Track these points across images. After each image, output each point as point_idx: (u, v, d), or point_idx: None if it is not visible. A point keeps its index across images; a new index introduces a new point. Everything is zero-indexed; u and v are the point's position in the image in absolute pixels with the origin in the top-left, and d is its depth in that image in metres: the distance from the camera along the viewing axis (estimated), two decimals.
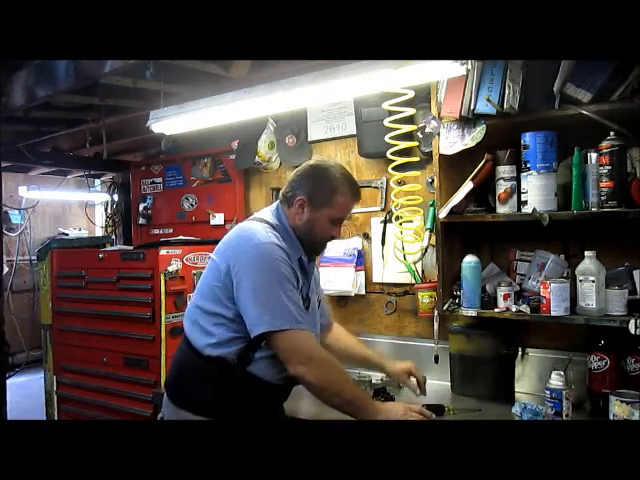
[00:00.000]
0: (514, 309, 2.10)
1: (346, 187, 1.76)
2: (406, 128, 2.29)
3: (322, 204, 1.74)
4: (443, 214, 2.20)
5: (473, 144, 2.13)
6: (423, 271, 2.58)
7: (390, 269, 2.69)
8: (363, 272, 2.77)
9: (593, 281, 1.92)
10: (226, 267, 1.64)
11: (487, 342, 2.24)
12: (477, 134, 2.12)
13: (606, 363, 1.99)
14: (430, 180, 2.51)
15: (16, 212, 6.32)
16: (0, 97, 2.65)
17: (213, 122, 2.47)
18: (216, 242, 1.80)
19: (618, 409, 1.81)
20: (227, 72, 2.55)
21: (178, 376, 1.81)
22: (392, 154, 2.37)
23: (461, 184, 2.18)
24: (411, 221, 2.48)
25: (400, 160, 2.37)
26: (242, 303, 1.62)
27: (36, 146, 4.13)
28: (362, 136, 2.67)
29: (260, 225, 1.71)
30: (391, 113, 2.30)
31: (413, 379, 2.06)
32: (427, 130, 2.26)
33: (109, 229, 4.90)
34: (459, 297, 2.23)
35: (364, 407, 1.65)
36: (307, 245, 1.78)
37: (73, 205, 7.07)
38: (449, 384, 2.37)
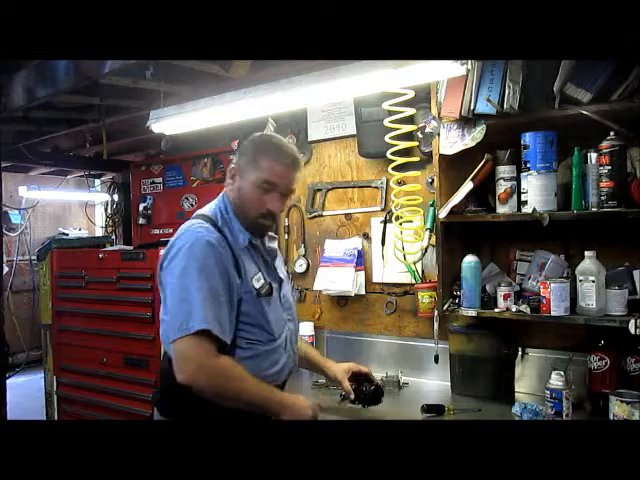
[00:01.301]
0: (514, 309, 2.10)
1: (274, 150, 1.65)
2: (406, 128, 2.29)
3: (249, 168, 1.64)
4: (443, 214, 2.20)
5: (473, 144, 2.13)
6: (423, 271, 2.58)
7: (390, 269, 2.69)
8: (363, 272, 2.77)
9: (593, 281, 1.92)
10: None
11: (487, 342, 2.24)
12: (477, 134, 2.12)
13: (606, 363, 1.99)
14: (430, 180, 2.51)
15: (16, 212, 6.32)
16: (0, 97, 2.65)
17: (213, 122, 2.47)
18: None
19: (618, 409, 1.81)
20: (227, 72, 2.55)
21: (161, 385, 1.74)
22: (392, 154, 2.37)
23: (461, 184, 2.18)
24: (411, 221, 2.48)
25: (400, 160, 2.37)
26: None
27: (36, 146, 4.13)
28: (362, 136, 2.67)
29: (187, 226, 1.64)
30: (391, 113, 2.30)
31: (347, 383, 1.98)
32: (427, 130, 2.26)
33: (109, 229, 4.90)
34: (459, 297, 2.23)
35: (266, 407, 1.57)
36: (244, 222, 1.67)
37: (73, 205, 7.07)
38: (449, 384, 2.37)
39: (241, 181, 1.66)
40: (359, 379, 2.01)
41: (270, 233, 1.80)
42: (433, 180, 2.36)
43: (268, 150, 1.65)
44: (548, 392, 1.90)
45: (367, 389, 1.97)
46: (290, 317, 1.80)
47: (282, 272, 1.83)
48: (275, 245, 1.84)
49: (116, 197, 4.79)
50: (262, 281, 1.66)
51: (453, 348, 2.35)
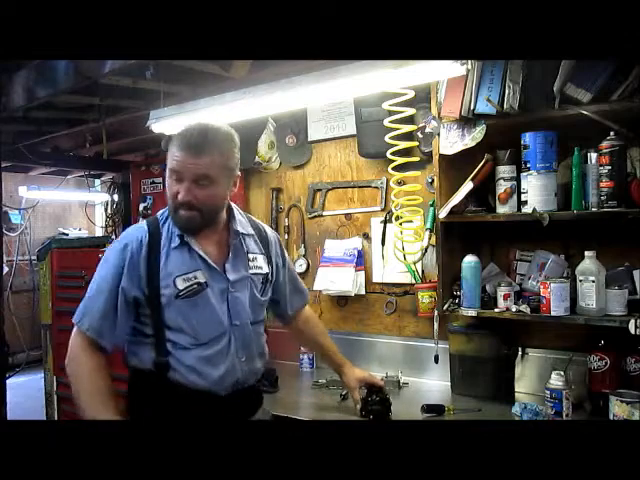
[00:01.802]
0: (514, 309, 2.10)
1: (178, 137, 1.57)
2: (406, 128, 2.29)
3: (167, 162, 1.59)
4: (443, 214, 2.20)
5: (473, 144, 2.13)
6: (423, 271, 2.58)
7: (390, 269, 2.69)
8: (363, 272, 2.77)
9: (593, 281, 1.92)
10: None
11: (487, 342, 2.24)
12: (477, 134, 2.12)
13: (606, 363, 1.99)
14: (430, 180, 2.51)
15: (16, 212, 6.32)
16: (0, 97, 2.65)
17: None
18: None
19: (618, 409, 1.81)
20: (227, 72, 2.55)
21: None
22: (392, 154, 2.37)
23: (461, 184, 2.18)
24: (411, 221, 2.48)
25: (400, 160, 2.37)
26: None
27: (36, 146, 4.13)
28: (362, 136, 2.67)
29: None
30: (391, 113, 2.30)
31: (357, 393, 2.01)
32: (427, 130, 2.26)
33: (109, 229, 4.90)
34: (459, 297, 2.23)
35: (85, 407, 1.53)
36: (172, 218, 1.62)
37: (73, 205, 7.07)
38: (449, 384, 2.37)
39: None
40: (371, 390, 2.01)
41: (241, 229, 1.70)
42: (433, 180, 2.36)
43: (174, 139, 1.57)
44: (548, 392, 1.90)
45: (373, 400, 1.96)
46: (238, 322, 1.64)
47: (254, 270, 1.70)
48: (251, 243, 1.73)
49: (116, 197, 4.79)
50: (192, 282, 1.57)
51: (453, 348, 2.35)
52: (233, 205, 1.74)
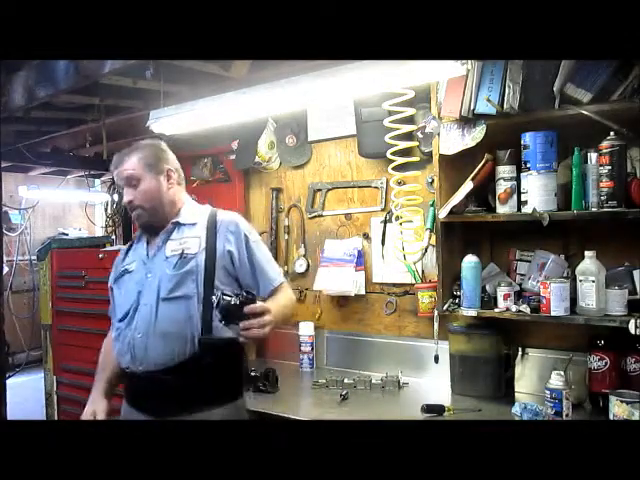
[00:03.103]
0: (514, 309, 2.10)
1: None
2: (406, 128, 2.29)
3: None
4: (443, 214, 2.20)
5: (473, 144, 2.13)
6: (423, 271, 2.58)
7: (390, 269, 2.69)
8: (363, 272, 2.77)
9: (593, 281, 1.92)
10: None
11: (487, 342, 2.24)
12: (477, 134, 2.12)
13: (606, 363, 1.99)
14: (430, 180, 2.51)
15: (16, 212, 6.32)
16: (0, 97, 2.65)
17: (213, 122, 2.47)
18: None
19: (618, 409, 1.81)
20: (227, 72, 2.55)
21: None
22: (392, 154, 2.37)
23: (461, 184, 2.18)
24: (411, 221, 2.48)
25: (400, 160, 2.37)
26: None
27: (36, 146, 4.13)
28: (362, 136, 2.67)
29: None
30: (391, 113, 2.30)
31: None
32: (427, 130, 2.26)
33: (109, 229, 4.89)
34: (459, 297, 2.23)
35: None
36: None
37: (73, 205, 7.07)
38: (449, 384, 2.37)
39: None
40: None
41: (180, 220, 1.87)
42: (433, 180, 2.36)
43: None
44: (548, 392, 1.90)
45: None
46: (145, 302, 1.77)
47: (172, 252, 1.80)
48: (188, 230, 1.85)
49: (116, 197, 4.78)
50: (124, 268, 1.89)
51: (453, 348, 2.35)
52: (188, 200, 1.96)
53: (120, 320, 1.83)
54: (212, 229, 1.86)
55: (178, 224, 1.87)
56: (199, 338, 1.72)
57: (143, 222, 1.87)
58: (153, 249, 1.86)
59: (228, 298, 1.58)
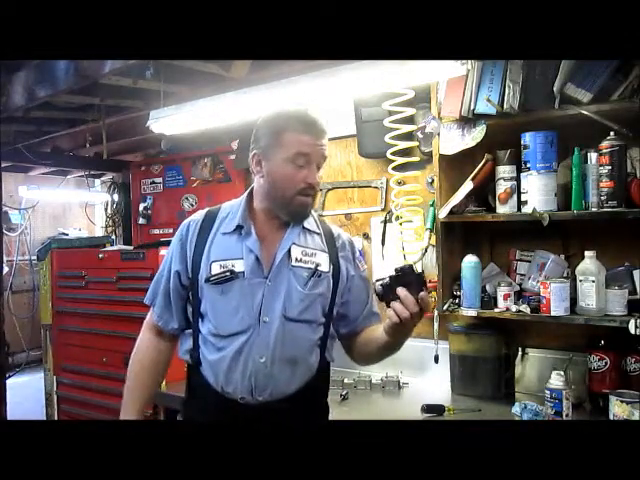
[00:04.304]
0: (514, 309, 2.10)
1: (294, 121, 1.49)
2: (406, 128, 2.29)
3: (274, 150, 1.48)
4: (443, 214, 2.20)
5: (473, 144, 2.13)
6: (423, 271, 2.57)
7: (390, 269, 2.68)
8: None
9: (593, 281, 1.92)
10: None
11: (487, 342, 2.24)
12: (477, 134, 2.12)
13: (606, 363, 1.99)
14: (430, 180, 2.51)
15: (16, 212, 6.32)
16: (0, 97, 2.65)
17: (213, 122, 2.47)
18: None
19: (618, 409, 1.81)
20: (227, 72, 2.55)
21: None
22: (392, 154, 2.37)
23: (461, 184, 2.18)
24: (411, 221, 2.48)
25: (400, 160, 2.37)
26: None
27: (36, 146, 4.13)
28: (362, 136, 2.67)
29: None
30: (391, 113, 2.30)
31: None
32: (427, 130, 2.26)
33: (109, 229, 4.90)
34: (459, 297, 2.23)
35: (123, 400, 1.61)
36: (281, 208, 1.51)
37: (73, 205, 7.07)
38: (449, 384, 2.37)
39: (268, 166, 1.50)
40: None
41: (305, 224, 1.56)
42: (433, 180, 2.36)
43: (291, 125, 1.49)
44: (548, 392, 1.90)
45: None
46: (267, 319, 1.46)
47: (302, 264, 1.52)
48: (314, 239, 1.57)
49: (116, 197, 4.79)
50: (226, 269, 1.48)
51: (453, 348, 2.35)
52: None
53: (225, 337, 1.48)
54: (332, 244, 1.60)
55: (304, 229, 1.56)
56: (318, 362, 1.56)
57: (307, 212, 1.53)
58: (269, 249, 1.51)
59: (386, 280, 1.40)
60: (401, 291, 1.35)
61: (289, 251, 1.51)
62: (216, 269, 1.49)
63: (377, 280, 1.42)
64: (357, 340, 1.66)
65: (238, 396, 1.46)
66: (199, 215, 1.60)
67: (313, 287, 1.52)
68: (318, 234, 1.60)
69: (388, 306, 1.36)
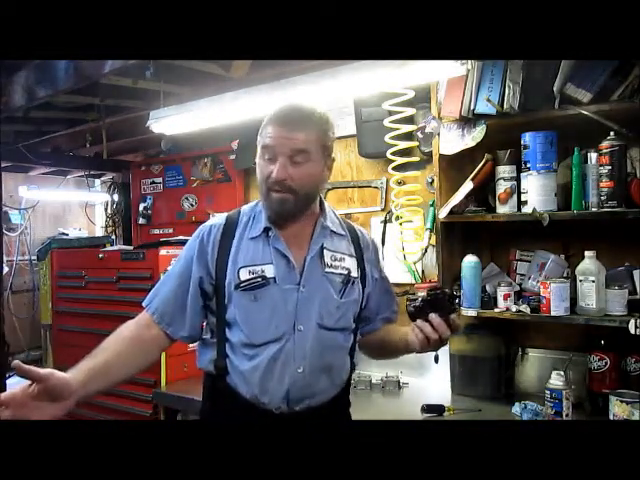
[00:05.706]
0: (514, 309, 2.10)
1: (273, 113, 1.44)
2: (406, 128, 2.29)
3: (259, 143, 1.45)
4: (443, 214, 2.20)
5: (473, 144, 2.13)
6: (423, 271, 2.58)
7: (390, 269, 2.69)
8: None
9: (593, 281, 1.92)
10: None
11: (487, 342, 2.24)
12: (477, 134, 2.12)
13: (606, 363, 1.99)
14: (430, 180, 2.51)
15: (16, 212, 6.31)
16: (0, 97, 2.65)
17: (213, 122, 2.47)
18: None
19: (618, 409, 1.81)
20: (227, 72, 2.55)
21: None
22: (392, 154, 2.37)
23: (461, 184, 2.18)
24: (411, 221, 2.48)
25: (400, 160, 2.37)
26: None
27: (36, 146, 4.13)
28: (362, 136, 2.67)
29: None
30: (391, 113, 2.30)
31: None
32: (427, 130, 2.26)
33: (109, 229, 4.90)
34: (459, 297, 2.23)
35: None
36: (263, 205, 1.47)
37: (73, 205, 7.06)
38: (449, 384, 2.37)
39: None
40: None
41: (330, 226, 1.50)
42: (433, 180, 2.36)
43: (267, 119, 1.44)
44: (548, 392, 1.90)
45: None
46: (302, 327, 1.41)
47: (333, 269, 1.47)
48: (341, 243, 1.52)
49: (116, 197, 4.79)
50: (257, 275, 1.41)
51: (453, 348, 2.35)
52: (325, 200, 1.57)
53: (258, 345, 1.41)
54: (358, 246, 1.55)
55: (331, 232, 1.50)
56: (349, 369, 1.53)
57: (284, 210, 1.42)
58: (298, 252, 1.45)
59: (418, 299, 1.39)
60: (434, 318, 1.35)
61: (321, 256, 1.46)
62: (245, 275, 1.42)
63: (409, 300, 1.41)
64: (374, 338, 1.63)
65: (274, 406, 1.40)
66: (220, 219, 1.51)
67: (347, 294, 1.48)
68: (344, 236, 1.54)
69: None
